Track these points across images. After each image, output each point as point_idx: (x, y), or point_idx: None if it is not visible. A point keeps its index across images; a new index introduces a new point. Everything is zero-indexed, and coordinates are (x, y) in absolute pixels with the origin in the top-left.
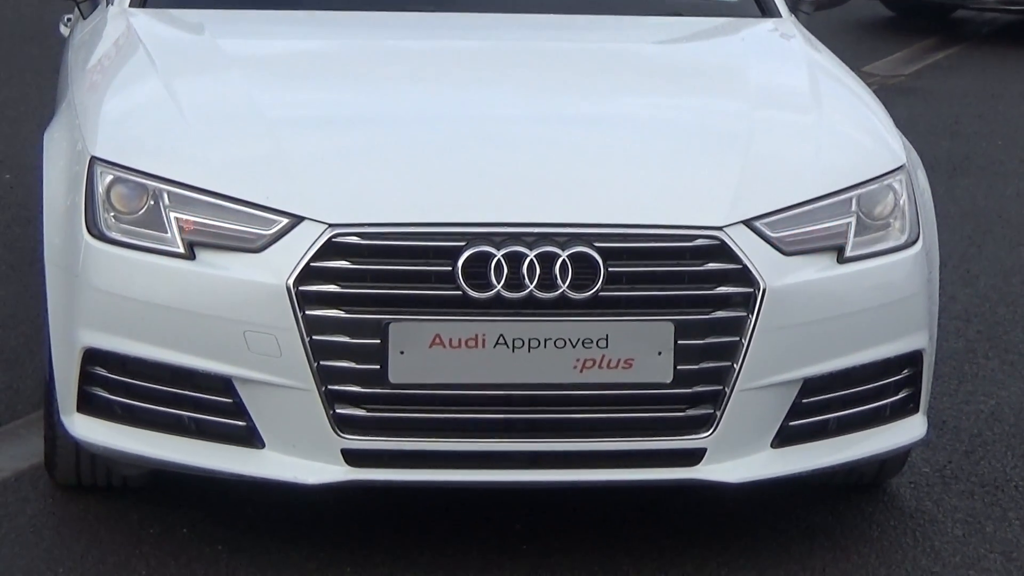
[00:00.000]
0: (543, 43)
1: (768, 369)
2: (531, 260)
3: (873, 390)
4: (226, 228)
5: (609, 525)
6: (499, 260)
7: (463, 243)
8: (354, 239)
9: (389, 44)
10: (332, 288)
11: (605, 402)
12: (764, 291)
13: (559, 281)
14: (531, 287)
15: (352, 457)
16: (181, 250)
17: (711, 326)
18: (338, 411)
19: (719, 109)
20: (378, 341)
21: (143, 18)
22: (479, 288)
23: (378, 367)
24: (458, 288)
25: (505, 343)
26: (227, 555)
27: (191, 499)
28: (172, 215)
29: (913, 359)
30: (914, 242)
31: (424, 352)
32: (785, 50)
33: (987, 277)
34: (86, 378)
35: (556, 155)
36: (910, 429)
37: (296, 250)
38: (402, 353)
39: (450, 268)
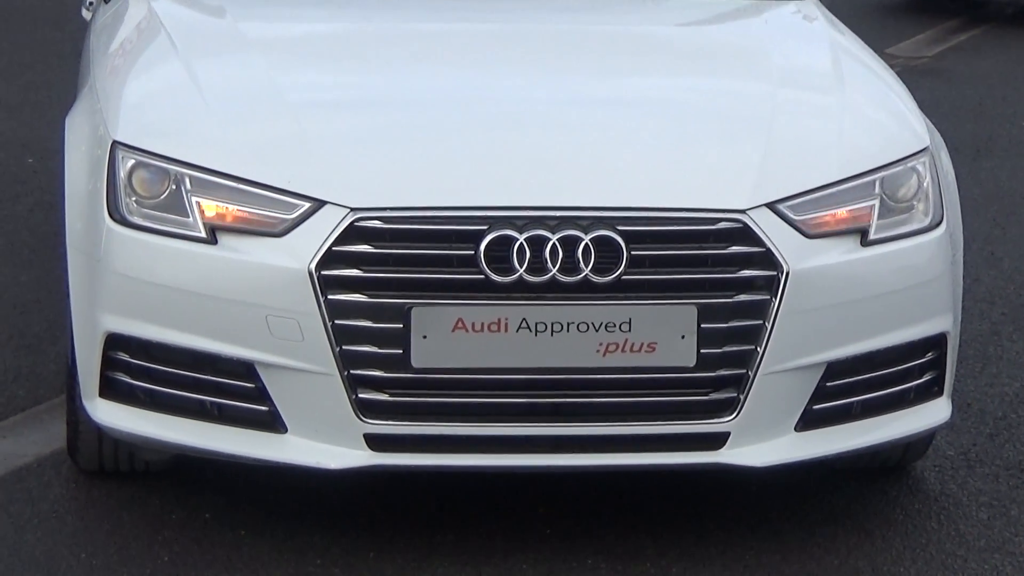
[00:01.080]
0: (565, 25)
1: (792, 352)
2: (554, 244)
3: (897, 373)
4: (248, 212)
5: (632, 509)
6: (522, 244)
7: (485, 227)
8: (376, 223)
9: (410, 27)
10: (354, 272)
11: (628, 386)
12: (787, 274)
13: (582, 265)
14: (554, 271)
15: (375, 442)
16: (203, 234)
17: (734, 309)
18: (360, 396)
19: (742, 91)
20: (400, 325)
21: (164, 2)
22: (502, 272)
23: (400, 352)
24: (481, 272)
25: (528, 327)
26: (249, 540)
27: (213, 484)
28: (194, 199)
29: (937, 342)
30: (938, 224)
31: (447, 336)
32: (808, 32)
33: (1011, 259)
34: (108, 363)
35: (578, 138)
36: (934, 412)
37: (318, 234)
38: (425, 337)
39: (472, 252)
